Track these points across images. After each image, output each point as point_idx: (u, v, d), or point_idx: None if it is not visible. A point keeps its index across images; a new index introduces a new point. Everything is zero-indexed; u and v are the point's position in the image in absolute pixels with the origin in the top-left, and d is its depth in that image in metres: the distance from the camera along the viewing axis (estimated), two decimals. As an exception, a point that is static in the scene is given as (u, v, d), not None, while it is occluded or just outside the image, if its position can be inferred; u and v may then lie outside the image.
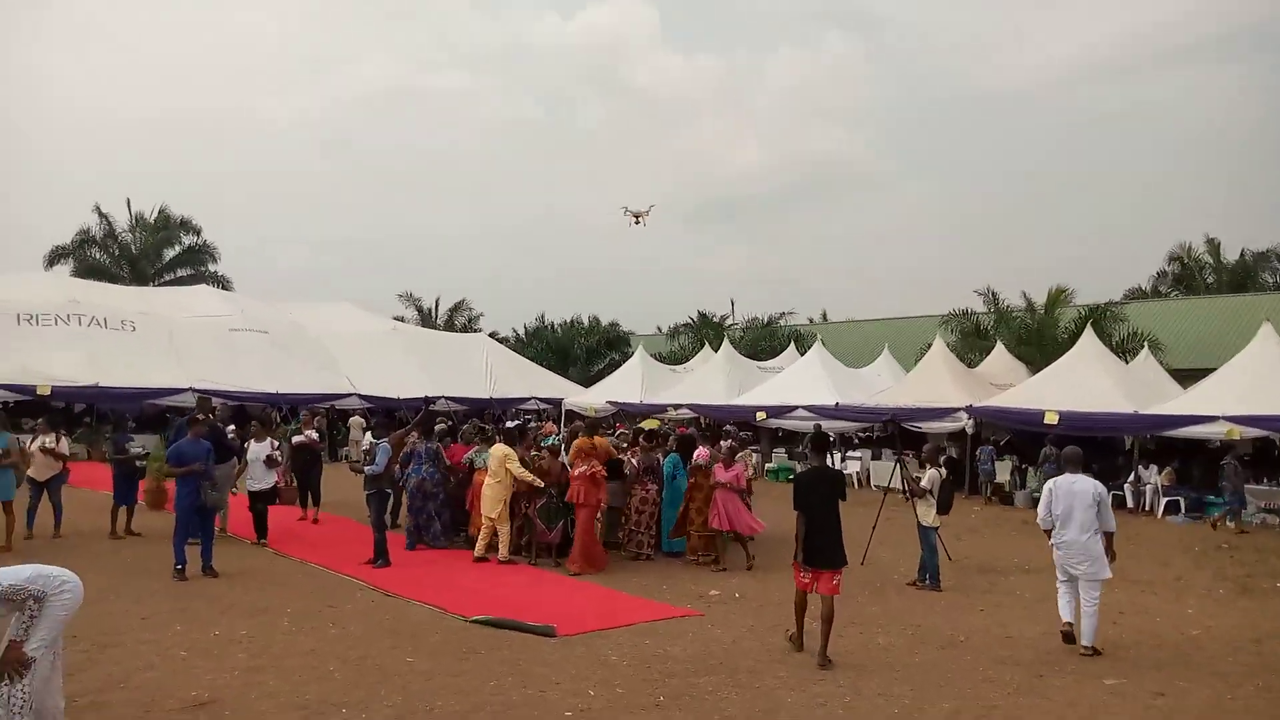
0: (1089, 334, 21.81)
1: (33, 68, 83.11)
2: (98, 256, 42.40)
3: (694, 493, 11.98)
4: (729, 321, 42.50)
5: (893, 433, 21.63)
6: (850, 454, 24.38)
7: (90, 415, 26.07)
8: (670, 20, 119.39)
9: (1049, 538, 8.38)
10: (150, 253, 43.60)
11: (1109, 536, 8.14)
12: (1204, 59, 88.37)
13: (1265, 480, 18.14)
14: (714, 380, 28.23)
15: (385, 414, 26.53)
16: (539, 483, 11.45)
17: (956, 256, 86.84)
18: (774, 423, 25.33)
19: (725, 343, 31.48)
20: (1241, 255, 41.22)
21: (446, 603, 9.26)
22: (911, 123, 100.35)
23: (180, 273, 44.14)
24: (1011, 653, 7.99)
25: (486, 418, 25.53)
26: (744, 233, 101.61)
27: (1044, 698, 6.76)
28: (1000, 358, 25.90)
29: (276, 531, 12.77)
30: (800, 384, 25.15)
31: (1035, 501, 17.12)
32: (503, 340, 43.91)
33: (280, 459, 13.14)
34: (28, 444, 12.85)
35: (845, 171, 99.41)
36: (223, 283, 42.98)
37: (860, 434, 26.62)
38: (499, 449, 11.63)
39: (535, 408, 31.95)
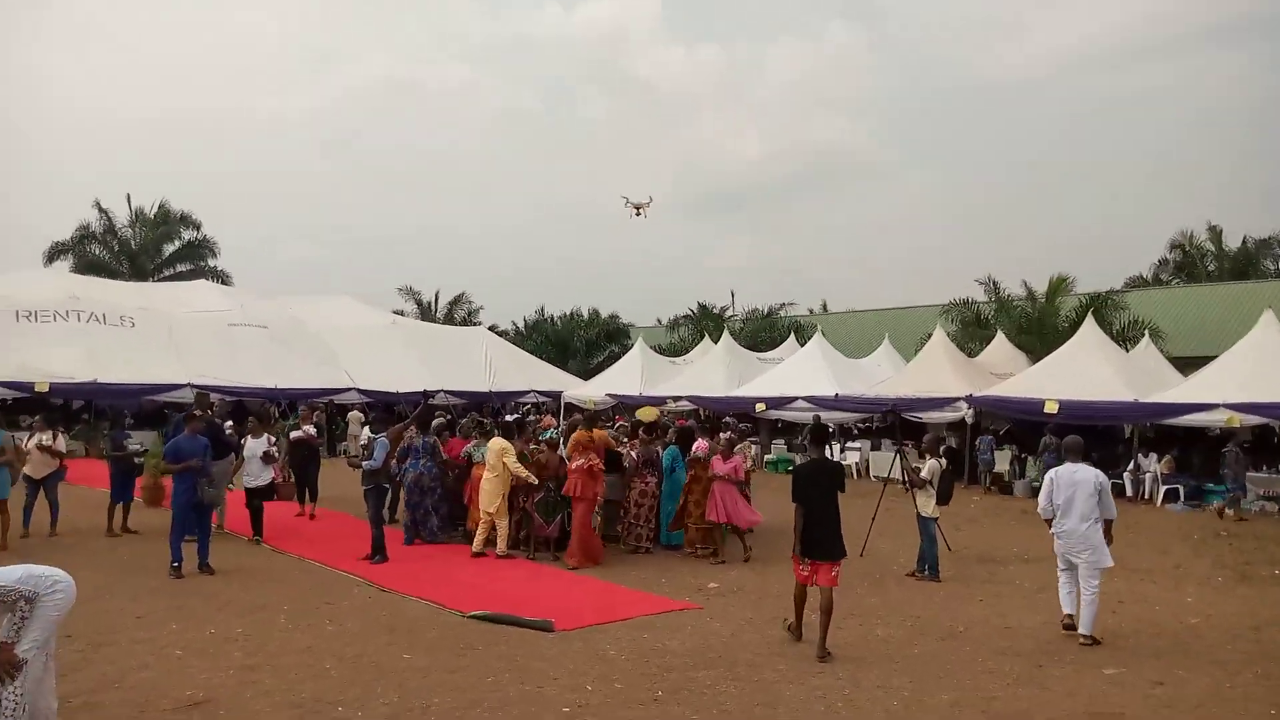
0: (1090, 322, 21.76)
1: (33, 67, 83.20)
2: (97, 252, 42.33)
3: (692, 485, 11.94)
4: (729, 313, 42.45)
5: (892, 423, 21.60)
6: (850, 445, 24.34)
7: (89, 412, 26.06)
8: (672, 11, 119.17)
9: (1050, 527, 8.36)
10: (150, 248, 43.55)
11: (1108, 523, 8.12)
12: (1204, 47, 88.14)
13: (1265, 468, 18.11)
14: (714, 372, 28.18)
15: (384, 408, 26.48)
16: (533, 479, 11.41)
17: (958, 246, 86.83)
18: (773, 414, 25.30)
19: (725, 334, 31.43)
20: (1243, 242, 41.08)
21: (444, 598, 9.23)
22: (913, 112, 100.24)
23: (180, 268, 44.09)
24: (1011, 643, 7.97)
25: (485, 411, 25.53)
26: (745, 224, 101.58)
27: (1044, 688, 6.74)
28: (1001, 347, 25.84)
29: (274, 528, 12.73)
30: (800, 375, 25.10)
31: (1035, 491, 17.11)
32: (502, 333, 43.86)
33: (277, 455, 13.10)
34: (24, 441, 12.82)
35: (847, 161, 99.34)
36: (222, 278, 42.90)
37: (860, 425, 26.58)
38: (496, 443, 11.59)
39: (535, 401, 31.93)
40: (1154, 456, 19.08)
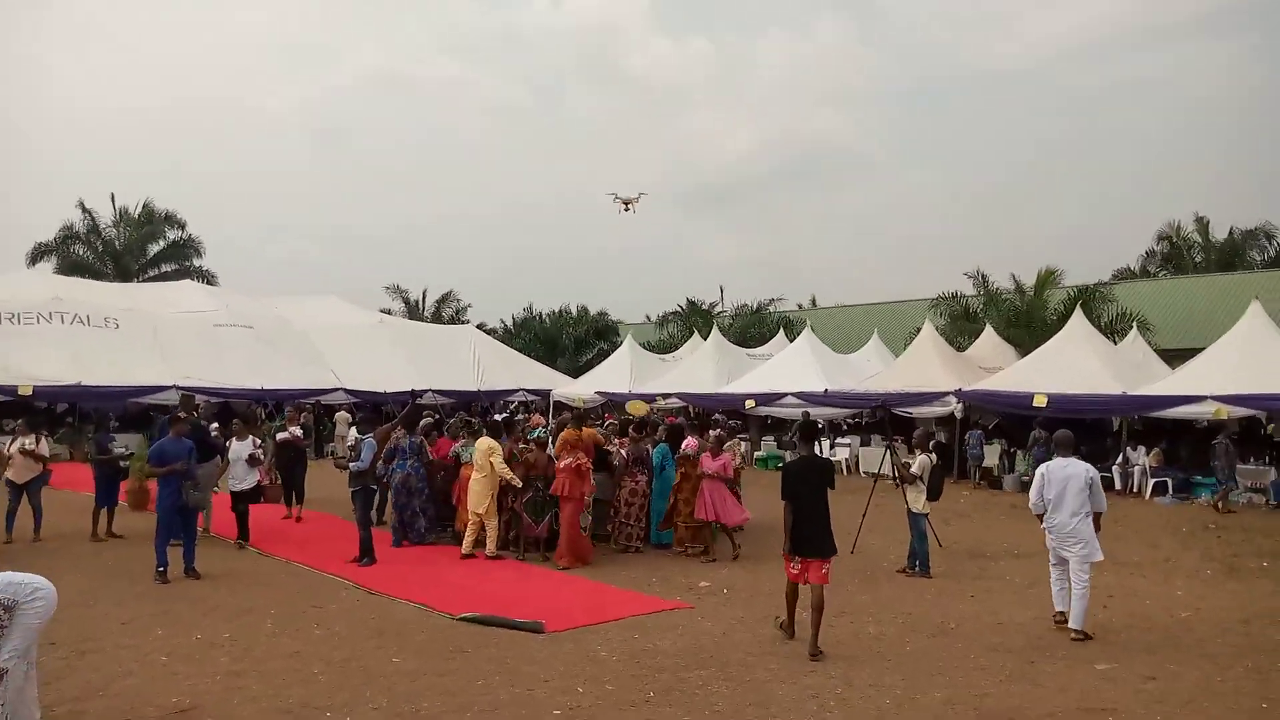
0: (1078, 315, 21.82)
1: (32, 66, 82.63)
2: (81, 253, 42.01)
3: (682, 483, 11.89)
4: (718, 309, 42.45)
5: (882, 418, 21.60)
6: (839, 441, 24.36)
7: (73, 415, 25.82)
8: (661, 4, 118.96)
9: (1041, 522, 8.35)
10: (134, 248, 43.24)
11: (1098, 516, 8.12)
12: (1192, 37, 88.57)
13: (1251, 460, 18.19)
14: (703, 368, 28.17)
15: (372, 408, 26.30)
16: (517, 482, 11.33)
17: (946, 239, 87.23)
18: (763, 410, 25.30)
19: (714, 330, 31.41)
20: (1230, 233, 41.35)
21: (433, 600, 9.16)
22: (903, 105, 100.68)
23: (165, 268, 43.81)
24: (1003, 639, 7.95)
25: (474, 410, 25.42)
26: (733, 219, 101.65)
27: (1036, 684, 6.72)
28: (989, 340, 25.90)
29: (260, 531, 12.61)
30: (789, 371, 25.09)
31: (1024, 485, 17.17)
32: (490, 331, 43.75)
33: (262, 458, 12.99)
34: (7, 446, 12.67)
35: (835, 155, 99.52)
36: (208, 278, 42.66)
37: (849, 420, 26.60)
38: (484, 442, 11.50)
39: (524, 399, 31.83)
40: (1142, 449, 19.16)
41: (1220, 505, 16.18)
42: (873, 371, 26.08)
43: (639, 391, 27.83)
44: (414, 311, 48.08)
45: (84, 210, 42.08)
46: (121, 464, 13.69)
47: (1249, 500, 17.04)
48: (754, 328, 36.67)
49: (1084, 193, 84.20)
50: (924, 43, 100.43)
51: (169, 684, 6.57)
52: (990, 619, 8.68)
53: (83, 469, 17.04)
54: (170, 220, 43.80)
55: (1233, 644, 7.82)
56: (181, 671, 6.87)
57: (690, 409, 26.79)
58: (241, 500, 12.31)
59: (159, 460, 10.29)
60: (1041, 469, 8.45)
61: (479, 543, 11.46)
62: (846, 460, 22.83)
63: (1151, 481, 18.15)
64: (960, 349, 26.02)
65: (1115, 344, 23.36)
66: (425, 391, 27.34)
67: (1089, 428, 20.13)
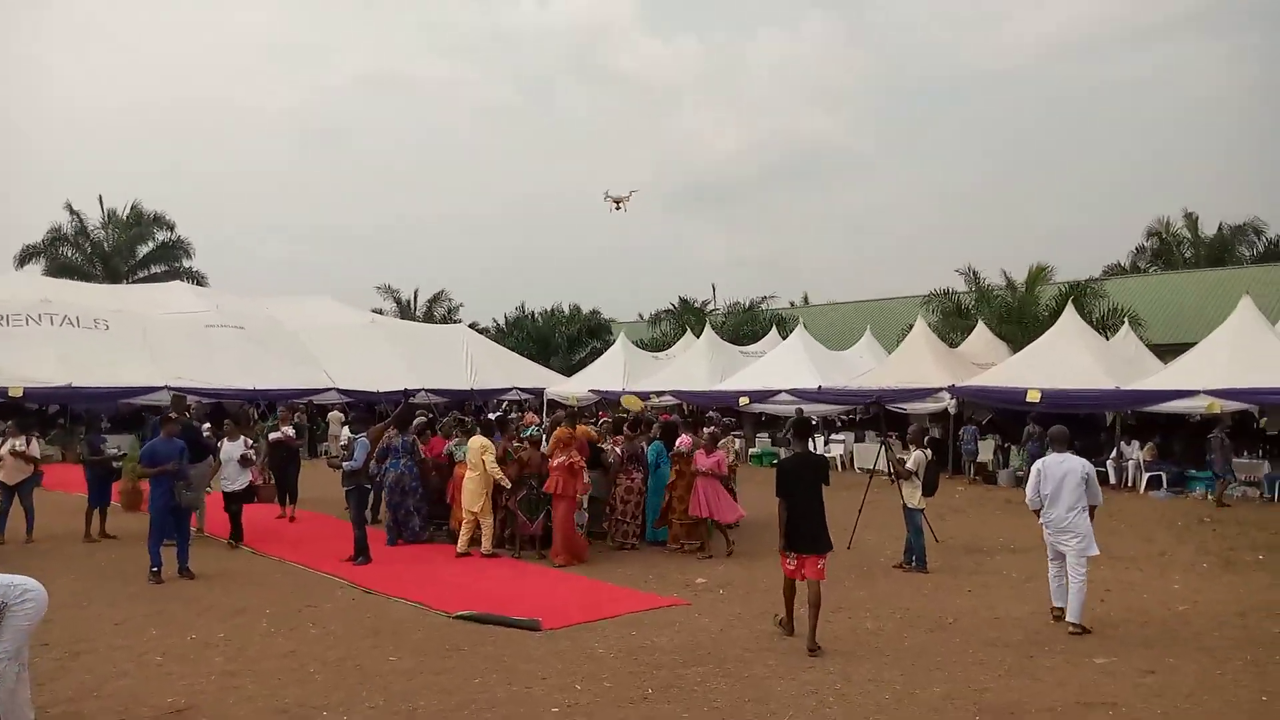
0: (1069, 311, 21.85)
1: (32, 66, 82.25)
2: (70, 255, 41.82)
3: (676, 480, 11.87)
4: (711, 307, 42.43)
5: (876, 415, 21.62)
6: (834, 437, 24.37)
7: (64, 416, 25.70)
8: (649, 4, 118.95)
9: (1039, 518, 8.34)
10: (123, 249, 43.04)
11: (1093, 509, 8.12)
12: (1182, 35, 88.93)
13: (1245, 454, 18.25)
14: (696, 366, 28.16)
15: (365, 408, 26.29)
16: (506, 482, 11.29)
17: (938, 236, 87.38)
18: (757, 407, 25.28)
19: (707, 328, 31.42)
20: (1219, 229, 41.49)
21: (429, 599, 9.12)
22: (893, 103, 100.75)
23: (155, 269, 43.66)
24: (1000, 634, 7.94)
25: (467, 409, 25.36)
26: (725, 217, 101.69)
27: (1035, 679, 6.71)
28: (982, 337, 25.94)
29: (254, 530, 12.56)
30: (783, 368, 25.12)
31: (1019, 480, 17.21)
32: (483, 331, 43.69)
33: (255, 458, 12.92)
34: (-2, 448, 12.56)
35: (827, 153, 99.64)
36: (198, 279, 42.49)
37: (843, 417, 26.61)
38: (477, 441, 11.47)
39: (517, 398, 31.78)
40: (1136, 444, 19.19)
41: (1221, 499, 16.22)
42: (866, 368, 26.09)
43: (633, 389, 27.79)
44: (406, 311, 47.98)
45: (71, 212, 41.93)
46: (114, 464, 13.60)
47: (1243, 494, 17.09)
48: (746, 325, 36.68)
49: (1073, 190, 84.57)
50: (914, 41, 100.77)
51: (164, 684, 6.52)
52: (988, 614, 8.67)
53: (75, 470, 16.90)
54: (159, 222, 43.65)
55: (1230, 637, 7.83)
56: (176, 672, 6.82)
57: (684, 406, 26.78)
58: (234, 501, 12.28)
59: (151, 460, 10.25)
60: (1038, 464, 8.44)
61: (474, 541, 11.41)
62: (841, 456, 22.84)
63: (1146, 476, 18.19)
64: (953, 345, 26.07)
65: (1107, 339, 23.43)
66: (418, 391, 27.33)
67: (1082, 422, 20.16)
